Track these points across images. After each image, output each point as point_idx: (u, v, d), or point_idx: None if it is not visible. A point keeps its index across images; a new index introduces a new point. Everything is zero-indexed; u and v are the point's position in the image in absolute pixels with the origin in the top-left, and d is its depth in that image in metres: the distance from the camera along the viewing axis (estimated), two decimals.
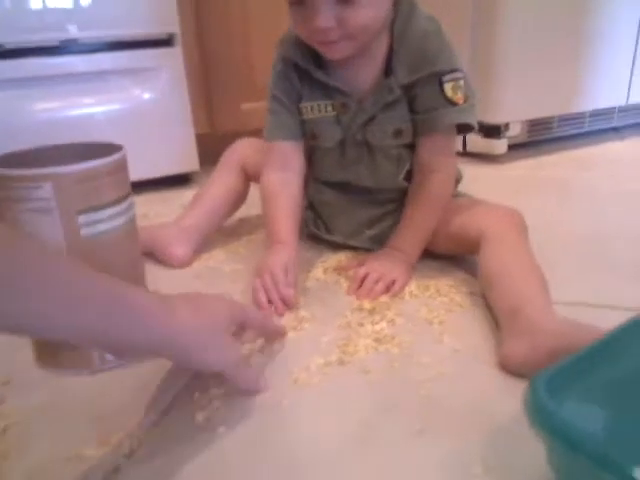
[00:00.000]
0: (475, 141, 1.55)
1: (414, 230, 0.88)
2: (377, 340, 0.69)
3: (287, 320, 0.76)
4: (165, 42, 1.39)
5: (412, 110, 0.86)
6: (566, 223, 1.09)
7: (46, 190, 0.60)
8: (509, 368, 0.63)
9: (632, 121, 1.82)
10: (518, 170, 1.49)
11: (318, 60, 0.88)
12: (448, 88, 0.83)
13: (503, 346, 0.65)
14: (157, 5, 1.36)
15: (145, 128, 1.41)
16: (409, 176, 0.91)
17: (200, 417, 0.58)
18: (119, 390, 0.63)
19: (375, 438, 0.55)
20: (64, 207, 0.61)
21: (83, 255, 0.63)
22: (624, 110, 1.76)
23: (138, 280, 0.74)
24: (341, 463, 0.52)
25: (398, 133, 0.88)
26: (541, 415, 0.41)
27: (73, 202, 0.62)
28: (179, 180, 1.50)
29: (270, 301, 0.78)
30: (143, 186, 1.40)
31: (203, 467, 0.52)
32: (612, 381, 0.44)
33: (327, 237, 0.99)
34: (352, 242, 0.96)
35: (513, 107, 1.52)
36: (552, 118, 1.63)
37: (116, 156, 0.66)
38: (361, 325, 0.73)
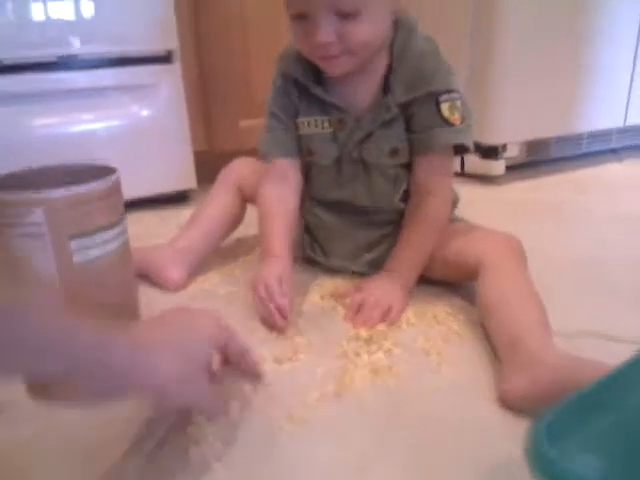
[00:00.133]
0: (473, 162, 1.54)
1: (411, 253, 0.87)
2: (374, 371, 0.68)
3: (282, 349, 0.75)
4: (164, 59, 1.38)
5: (409, 129, 0.86)
6: (564, 247, 1.08)
7: (37, 215, 0.60)
8: (509, 403, 0.61)
9: (630, 143, 1.82)
10: (516, 192, 1.49)
11: (317, 76, 0.89)
12: (445, 108, 0.83)
13: (502, 380, 0.64)
14: (156, 22, 1.36)
15: (143, 145, 1.40)
16: (406, 197, 0.91)
17: (194, 452, 0.57)
18: (110, 422, 0.61)
19: (372, 474, 0.53)
20: (56, 232, 0.61)
21: (76, 280, 0.62)
22: (622, 132, 1.76)
23: (132, 304, 0.73)
24: None
25: (394, 152, 0.87)
26: (542, 463, 0.40)
27: (65, 227, 0.61)
28: (176, 198, 1.49)
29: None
30: (140, 204, 1.39)
31: None
32: (616, 425, 0.43)
33: (324, 261, 0.98)
34: (349, 266, 0.95)
35: (511, 128, 1.52)
36: (550, 139, 1.63)
37: (108, 180, 0.65)
38: (357, 355, 0.72)
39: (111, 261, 0.65)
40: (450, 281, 0.90)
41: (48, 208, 0.59)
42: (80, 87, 1.33)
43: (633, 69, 1.66)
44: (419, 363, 0.71)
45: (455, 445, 0.57)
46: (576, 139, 1.68)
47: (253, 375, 0.65)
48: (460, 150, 0.87)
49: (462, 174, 1.57)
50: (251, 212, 1.06)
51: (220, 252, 1.08)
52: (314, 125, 0.90)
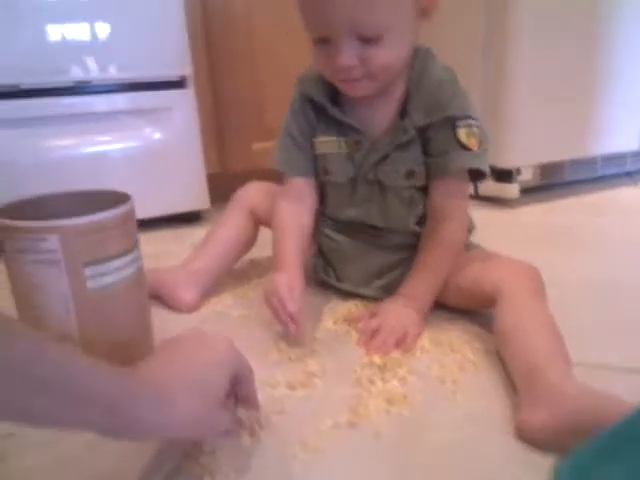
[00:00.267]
0: (487, 185, 1.54)
1: (426, 277, 0.86)
2: (388, 400, 0.67)
3: (296, 374, 0.74)
4: (178, 84, 1.41)
5: (425, 153, 0.86)
6: (581, 272, 1.07)
7: (52, 242, 0.60)
8: (526, 436, 0.60)
9: None
10: (530, 215, 1.48)
11: (335, 98, 0.90)
12: (462, 133, 0.83)
13: (520, 412, 0.62)
14: (170, 48, 1.38)
15: (157, 167, 1.42)
16: (421, 221, 0.90)
17: None
18: (121, 451, 0.61)
19: None
20: (70, 259, 0.60)
21: (90, 307, 0.62)
22: (637, 155, 1.76)
23: (145, 329, 0.73)
24: None
25: (410, 174, 0.87)
26: None
27: (79, 254, 0.61)
28: (190, 218, 1.51)
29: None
30: (154, 223, 1.40)
31: None
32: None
33: (337, 285, 0.97)
34: (362, 291, 0.95)
35: (525, 152, 1.52)
36: (564, 162, 1.62)
37: (123, 208, 0.65)
38: (372, 383, 0.71)
39: (125, 287, 0.65)
40: (464, 308, 0.89)
41: (63, 235, 0.59)
42: (96, 111, 1.35)
43: None
44: (434, 392, 0.69)
45: (470, 477, 0.56)
46: (590, 162, 1.68)
47: (251, 405, 0.63)
48: (476, 176, 0.87)
49: (476, 197, 1.57)
50: (264, 234, 1.06)
51: (233, 274, 1.08)
52: (331, 145, 0.91)
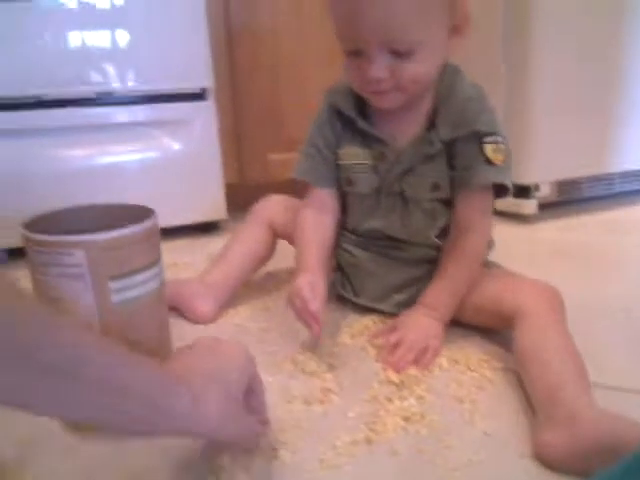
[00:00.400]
0: (505, 201, 1.53)
1: (448, 287, 0.87)
2: (406, 419, 0.67)
3: (312, 390, 0.74)
4: (199, 96, 1.42)
5: (451, 166, 0.87)
6: (599, 291, 1.06)
7: (78, 257, 0.61)
8: (545, 459, 0.60)
9: None
10: (548, 232, 1.47)
11: (362, 110, 0.91)
12: (489, 149, 0.84)
13: (539, 434, 0.62)
14: (192, 60, 1.40)
15: (176, 177, 1.43)
16: (442, 235, 0.91)
17: None
18: (145, 455, 0.62)
19: None
20: (95, 273, 0.61)
21: (114, 320, 0.63)
22: None
23: (165, 342, 0.74)
24: None
25: (435, 187, 0.88)
26: None
27: (104, 268, 0.62)
28: (207, 228, 1.52)
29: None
30: (171, 233, 1.41)
31: None
32: None
33: (354, 299, 0.98)
34: (379, 306, 0.95)
35: (543, 168, 1.51)
36: (582, 179, 1.61)
37: (147, 223, 0.66)
38: (389, 400, 0.71)
39: (148, 300, 0.66)
40: (481, 326, 0.89)
41: (89, 250, 0.60)
42: (117, 122, 1.37)
43: None
44: (452, 412, 0.69)
45: None
46: (608, 178, 1.67)
47: (261, 417, 0.62)
48: (500, 192, 0.88)
49: (494, 212, 1.55)
50: (282, 246, 1.08)
51: (250, 286, 1.09)
52: (355, 156, 0.92)
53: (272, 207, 1.08)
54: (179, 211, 1.43)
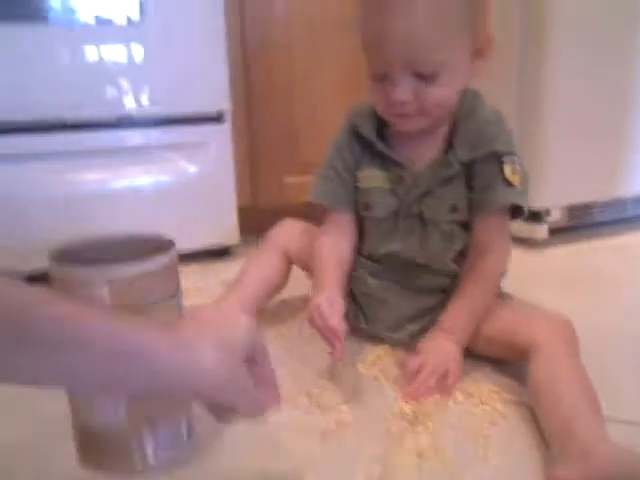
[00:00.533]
0: (516, 225, 1.54)
1: (466, 307, 0.87)
2: (420, 455, 0.68)
3: (328, 423, 0.75)
4: (215, 119, 1.43)
5: (469, 188, 0.88)
6: (613, 319, 1.07)
7: (101, 289, 0.62)
8: None
9: None
10: (559, 257, 1.48)
11: (382, 133, 0.93)
12: (507, 169, 0.85)
13: (553, 469, 0.63)
14: (210, 83, 1.41)
15: (189, 201, 1.44)
16: (458, 259, 0.92)
17: None
18: None
19: None
20: (118, 304, 0.63)
21: None
22: None
23: None
24: None
25: (454, 209, 0.89)
26: None
27: (127, 299, 0.63)
28: (219, 252, 1.52)
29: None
30: (183, 257, 1.41)
31: None
32: None
33: (367, 328, 0.98)
34: (392, 336, 0.95)
35: (554, 193, 1.52)
36: (593, 203, 1.62)
37: (168, 256, 0.67)
38: (403, 435, 0.72)
39: None
40: (492, 357, 0.89)
41: (112, 283, 0.61)
42: (134, 145, 1.38)
43: None
44: (465, 447, 0.70)
45: None
46: (620, 203, 1.67)
47: (272, 392, 0.59)
48: (514, 213, 0.89)
49: None
50: (296, 273, 1.09)
51: (264, 314, 1.09)
52: (374, 179, 0.94)
53: (287, 233, 1.09)
54: (192, 235, 1.43)
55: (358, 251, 1.00)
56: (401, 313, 0.95)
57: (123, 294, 0.63)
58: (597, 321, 1.04)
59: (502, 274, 0.91)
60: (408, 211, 0.92)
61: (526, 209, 0.88)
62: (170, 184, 1.42)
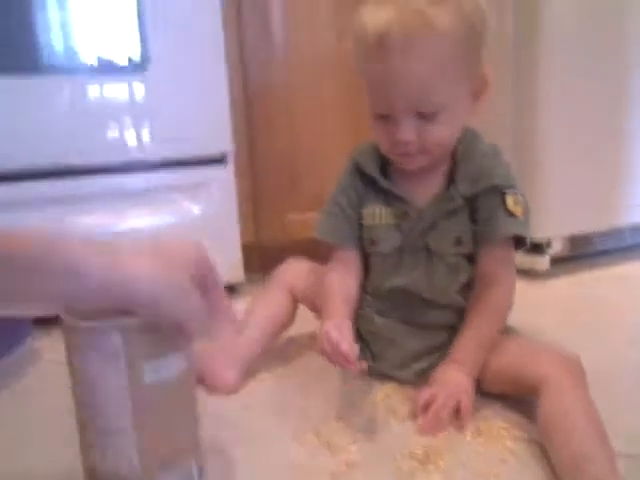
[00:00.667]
0: (518, 257, 1.55)
1: (474, 337, 0.88)
2: None
3: (337, 463, 0.75)
4: (218, 160, 1.46)
5: (473, 220, 0.91)
6: (615, 351, 1.07)
7: (114, 340, 0.63)
8: None
9: None
10: (561, 289, 1.49)
11: (384, 170, 0.96)
12: (510, 200, 0.88)
13: None
14: (213, 126, 1.43)
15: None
16: (464, 292, 0.93)
17: None
18: None
19: None
20: (131, 354, 0.63)
21: (146, 398, 0.65)
22: None
23: (195, 417, 0.75)
24: None
25: (458, 241, 0.91)
26: None
27: (140, 350, 0.64)
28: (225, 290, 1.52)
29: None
30: None
31: None
32: None
33: (374, 366, 0.98)
34: (398, 374, 0.96)
35: (555, 224, 1.54)
36: (594, 233, 1.64)
37: None
38: (414, 474, 0.72)
39: (180, 379, 0.68)
40: (499, 393, 0.89)
41: (125, 334, 0.62)
42: (137, 188, 1.40)
43: None
44: None
45: None
46: (620, 232, 1.69)
47: (226, 316, 0.61)
48: (516, 244, 0.91)
49: None
50: (303, 312, 1.10)
51: (271, 353, 1.10)
52: (378, 216, 0.96)
53: (293, 271, 1.10)
54: None
55: (364, 289, 1.01)
56: (407, 352, 0.96)
57: (136, 344, 0.63)
58: (601, 352, 1.05)
59: (509, 307, 0.93)
60: (413, 245, 0.93)
61: (528, 239, 0.90)
62: (174, 225, 1.43)
